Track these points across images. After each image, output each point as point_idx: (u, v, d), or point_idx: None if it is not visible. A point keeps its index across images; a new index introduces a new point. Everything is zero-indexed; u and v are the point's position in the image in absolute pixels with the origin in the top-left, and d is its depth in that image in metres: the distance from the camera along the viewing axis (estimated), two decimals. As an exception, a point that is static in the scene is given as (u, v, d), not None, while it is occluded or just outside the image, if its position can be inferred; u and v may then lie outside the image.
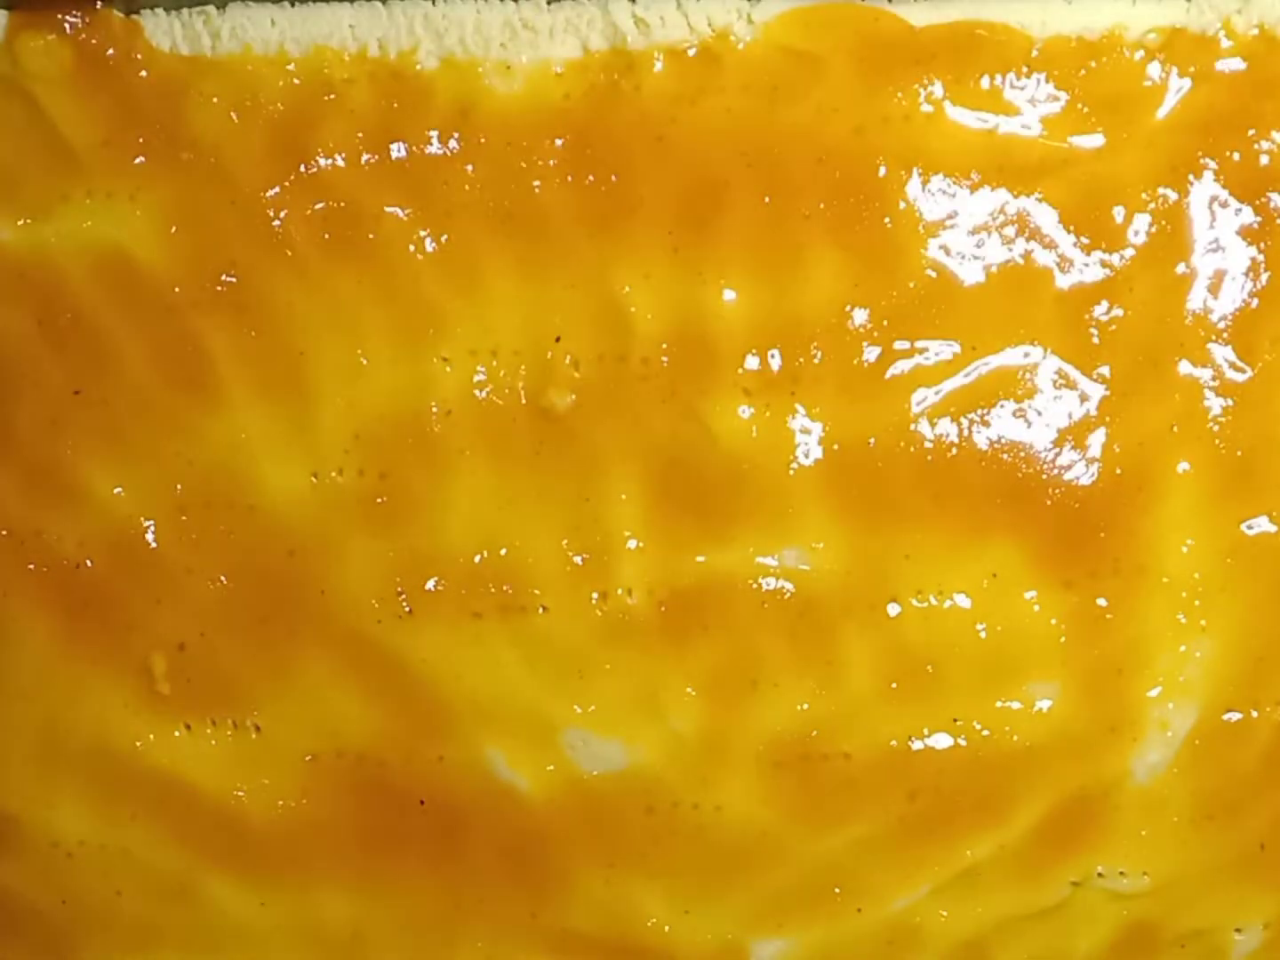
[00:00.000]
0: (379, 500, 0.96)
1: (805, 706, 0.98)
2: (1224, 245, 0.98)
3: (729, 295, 0.96)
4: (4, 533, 0.96)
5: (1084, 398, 0.98)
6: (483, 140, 0.95)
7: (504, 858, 0.98)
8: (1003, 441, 0.97)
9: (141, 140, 0.95)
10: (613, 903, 0.99)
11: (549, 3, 0.96)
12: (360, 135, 0.95)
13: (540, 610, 0.97)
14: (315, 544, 0.96)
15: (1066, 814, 1.00)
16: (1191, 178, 0.97)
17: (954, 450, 0.97)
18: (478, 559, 0.96)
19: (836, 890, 1.00)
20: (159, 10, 0.95)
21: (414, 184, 0.95)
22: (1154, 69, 0.96)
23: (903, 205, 0.96)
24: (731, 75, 0.95)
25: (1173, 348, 0.97)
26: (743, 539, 0.97)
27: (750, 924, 1.00)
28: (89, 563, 0.96)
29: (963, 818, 1.00)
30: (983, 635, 0.98)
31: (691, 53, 0.95)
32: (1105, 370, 0.98)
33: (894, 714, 0.98)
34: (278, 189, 0.95)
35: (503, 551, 0.96)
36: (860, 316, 0.97)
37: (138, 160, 0.95)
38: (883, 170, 0.96)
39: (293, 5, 0.96)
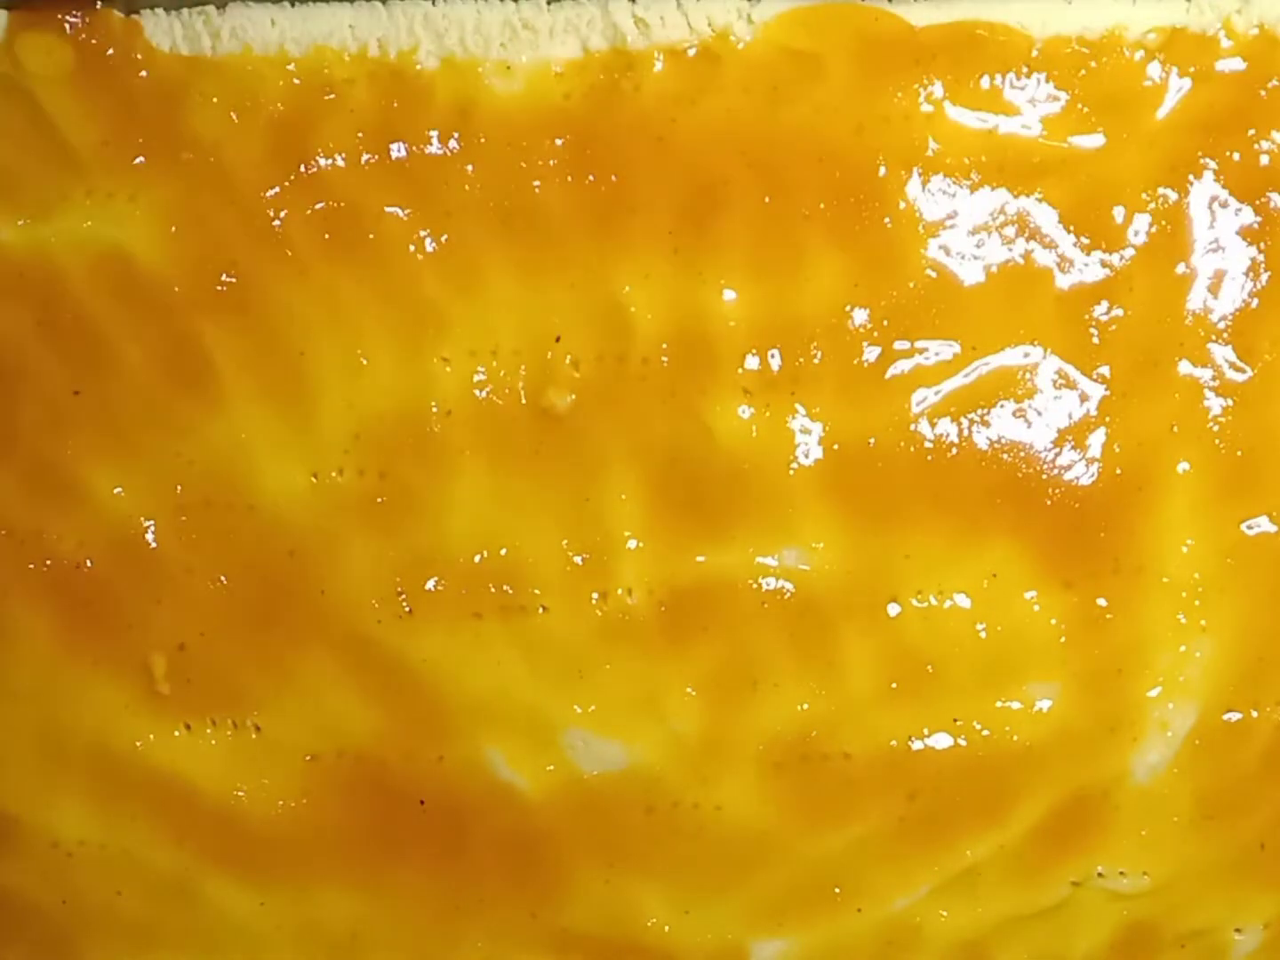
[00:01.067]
0: (379, 500, 0.96)
1: (805, 706, 0.98)
2: (1224, 245, 0.98)
3: (729, 295, 0.96)
4: (4, 532, 0.96)
5: (1084, 398, 0.98)
6: (483, 140, 0.95)
7: (504, 858, 0.98)
8: (1003, 441, 0.97)
9: (141, 140, 0.95)
10: (613, 903, 0.99)
11: (549, 3, 0.96)
12: (360, 135, 0.95)
13: (540, 610, 0.97)
14: (315, 544, 0.96)
15: (1066, 814, 1.00)
16: (1191, 178, 0.97)
17: (954, 450, 0.97)
18: (478, 559, 0.96)
19: (836, 890, 1.00)
20: (159, 10, 0.95)
21: (414, 184, 0.95)
22: (1154, 69, 0.96)
23: (903, 205, 0.96)
24: (731, 75, 0.95)
25: (1173, 348, 0.97)
26: (743, 539, 0.97)
27: (750, 924, 1.00)
28: (89, 563, 0.96)
29: (963, 818, 1.00)
30: (983, 635, 0.98)
31: (691, 53, 0.95)
32: (1105, 370, 0.98)
33: (894, 714, 0.98)
34: (278, 189, 0.95)
35: (503, 551, 0.96)
36: (860, 316, 0.97)
37: (138, 160, 0.95)
38: (883, 170, 0.96)
39: (293, 5, 0.96)
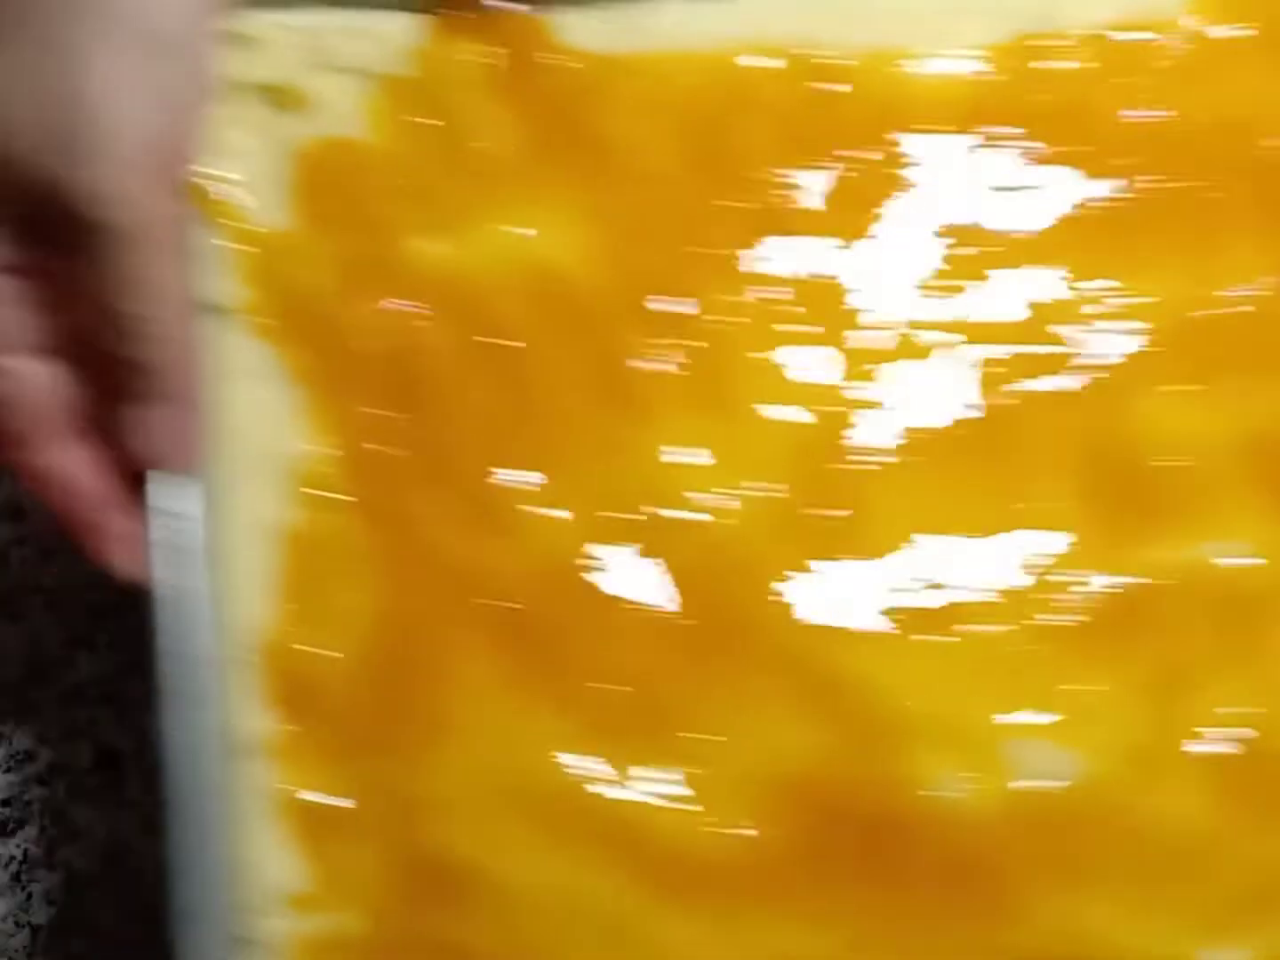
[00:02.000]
0: (813, 517, 0.92)
1: (1245, 705, 0.94)
2: None
3: (1148, 288, 0.93)
4: (446, 565, 0.92)
5: None
6: (899, 133, 0.92)
7: (949, 876, 0.94)
8: None
9: (561, 147, 0.91)
10: (1060, 917, 0.94)
11: (962, -14, 0.93)
12: (781, 134, 0.91)
13: (978, 619, 0.93)
14: (751, 563, 0.92)
15: None
16: None
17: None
18: (912, 569, 0.93)
19: (1286, 895, 0.96)
20: (572, 9, 0.91)
21: (836, 186, 0.92)
22: None
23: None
24: (1160, 56, 0.93)
25: None
26: (1175, 534, 0.93)
27: (1197, 932, 0.95)
28: (528, 594, 0.92)
29: None
30: None
31: (1117, 35, 0.92)
32: None
33: (1339, 710, 0.94)
34: (700, 194, 0.91)
35: (935, 561, 0.93)
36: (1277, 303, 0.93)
37: (561, 169, 0.91)
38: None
39: (706, -1, 0.92)
